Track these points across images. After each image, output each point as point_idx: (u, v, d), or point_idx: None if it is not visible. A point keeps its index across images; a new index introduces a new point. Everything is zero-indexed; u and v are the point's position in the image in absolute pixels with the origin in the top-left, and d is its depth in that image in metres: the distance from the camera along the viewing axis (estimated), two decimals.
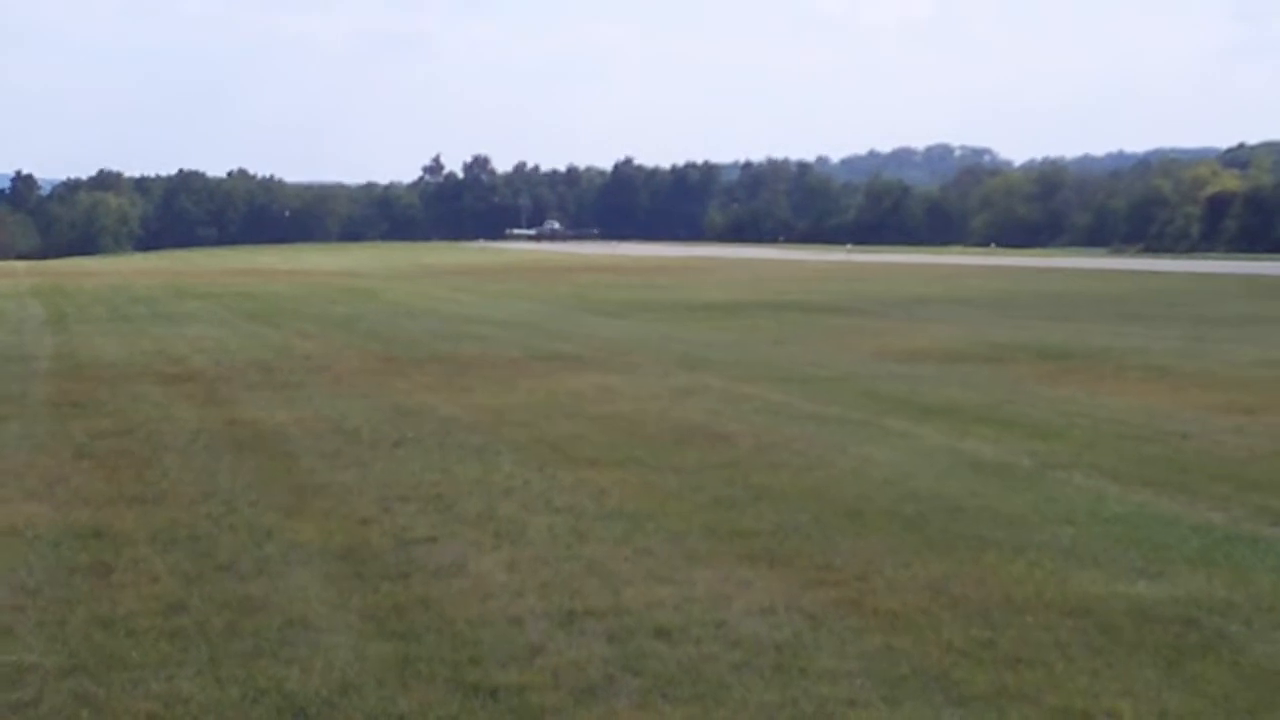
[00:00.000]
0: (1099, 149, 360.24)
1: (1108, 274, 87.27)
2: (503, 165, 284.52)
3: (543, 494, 15.07)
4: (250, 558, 12.23)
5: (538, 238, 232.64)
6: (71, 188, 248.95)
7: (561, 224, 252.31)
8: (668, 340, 36.32)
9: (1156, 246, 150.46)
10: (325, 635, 9.96)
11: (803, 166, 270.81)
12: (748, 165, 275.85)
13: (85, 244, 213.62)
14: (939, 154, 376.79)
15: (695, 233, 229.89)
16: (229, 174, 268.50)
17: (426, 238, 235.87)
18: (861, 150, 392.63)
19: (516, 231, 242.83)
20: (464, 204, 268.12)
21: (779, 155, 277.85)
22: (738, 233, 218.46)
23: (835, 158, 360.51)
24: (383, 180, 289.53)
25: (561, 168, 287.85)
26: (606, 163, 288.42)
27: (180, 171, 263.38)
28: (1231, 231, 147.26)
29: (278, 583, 11.39)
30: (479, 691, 8.82)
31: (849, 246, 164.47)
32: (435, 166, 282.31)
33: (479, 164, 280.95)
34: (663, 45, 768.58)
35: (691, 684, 8.96)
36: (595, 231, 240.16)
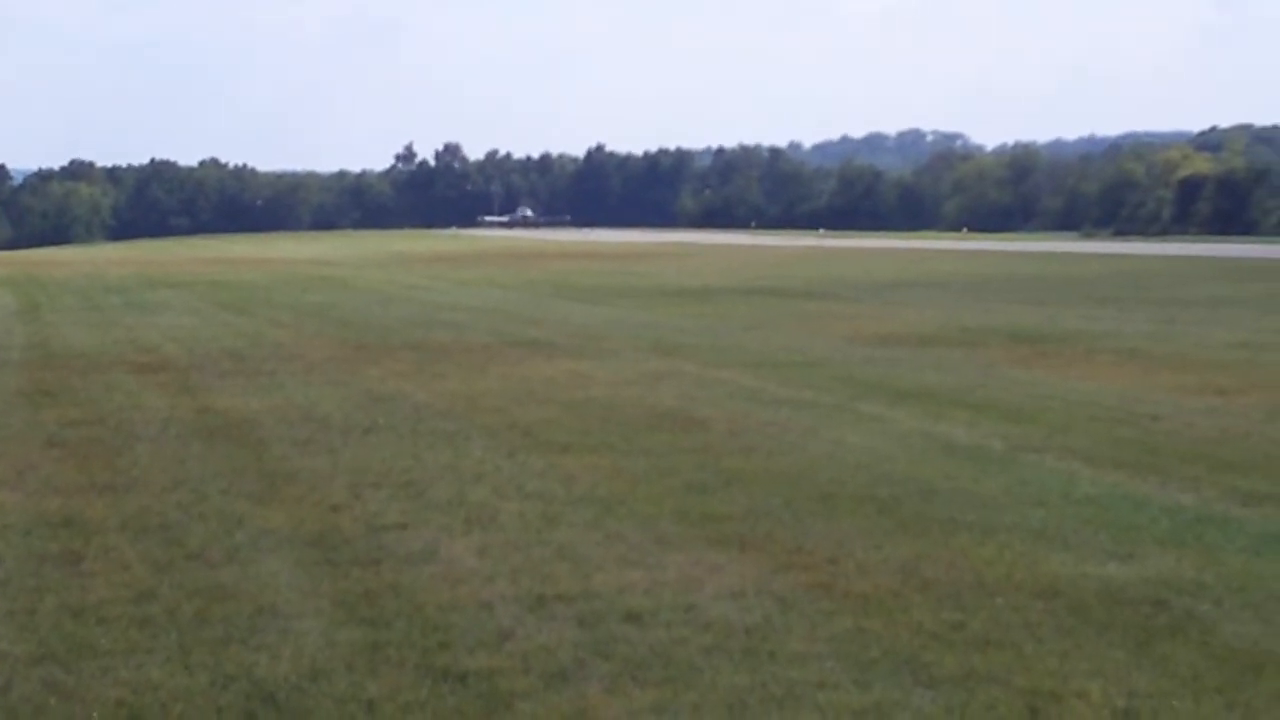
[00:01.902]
0: (1071, 133, 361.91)
1: (1079, 257, 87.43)
2: (475, 153, 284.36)
3: (514, 479, 15.05)
4: (220, 545, 12.20)
5: (510, 225, 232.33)
6: (43, 178, 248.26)
7: (534, 211, 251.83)
8: (641, 326, 36.31)
9: (1128, 230, 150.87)
10: (295, 622, 9.94)
11: (775, 152, 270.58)
12: (720, 151, 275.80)
13: (57, 234, 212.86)
14: (911, 139, 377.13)
15: (668, 219, 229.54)
16: (201, 163, 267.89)
17: (399, 226, 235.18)
18: (834, 136, 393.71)
19: (489, 219, 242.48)
20: (436, 192, 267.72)
21: (751, 141, 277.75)
22: (710, 219, 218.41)
23: (808, 143, 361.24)
24: (355, 168, 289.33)
25: (534, 155, 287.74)
26: (579, 150, 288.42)
27: (152, 161, 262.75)
28: (1203, 214, 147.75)
29: (248, 570, 11.36)
30: (448, 676, 8.81)
31: (821, 232, 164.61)
32: (407, 154, 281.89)
33: (451, 151, 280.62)
34: (635, 32, 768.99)
35: (662, 667, 8.96)
36: (567, 218, 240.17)
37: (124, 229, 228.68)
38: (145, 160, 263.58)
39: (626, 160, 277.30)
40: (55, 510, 13.68)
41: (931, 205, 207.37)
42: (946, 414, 19.83)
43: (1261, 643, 9.47)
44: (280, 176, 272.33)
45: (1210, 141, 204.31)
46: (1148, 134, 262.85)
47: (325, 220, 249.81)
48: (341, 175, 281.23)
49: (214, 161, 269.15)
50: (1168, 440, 17.70)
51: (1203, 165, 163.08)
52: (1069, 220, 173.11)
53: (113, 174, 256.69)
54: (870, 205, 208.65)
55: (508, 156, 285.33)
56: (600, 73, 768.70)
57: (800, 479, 15.04)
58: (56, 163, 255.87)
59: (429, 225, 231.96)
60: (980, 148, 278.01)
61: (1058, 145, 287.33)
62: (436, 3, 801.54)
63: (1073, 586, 10.74)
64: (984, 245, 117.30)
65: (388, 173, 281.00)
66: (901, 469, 15.60)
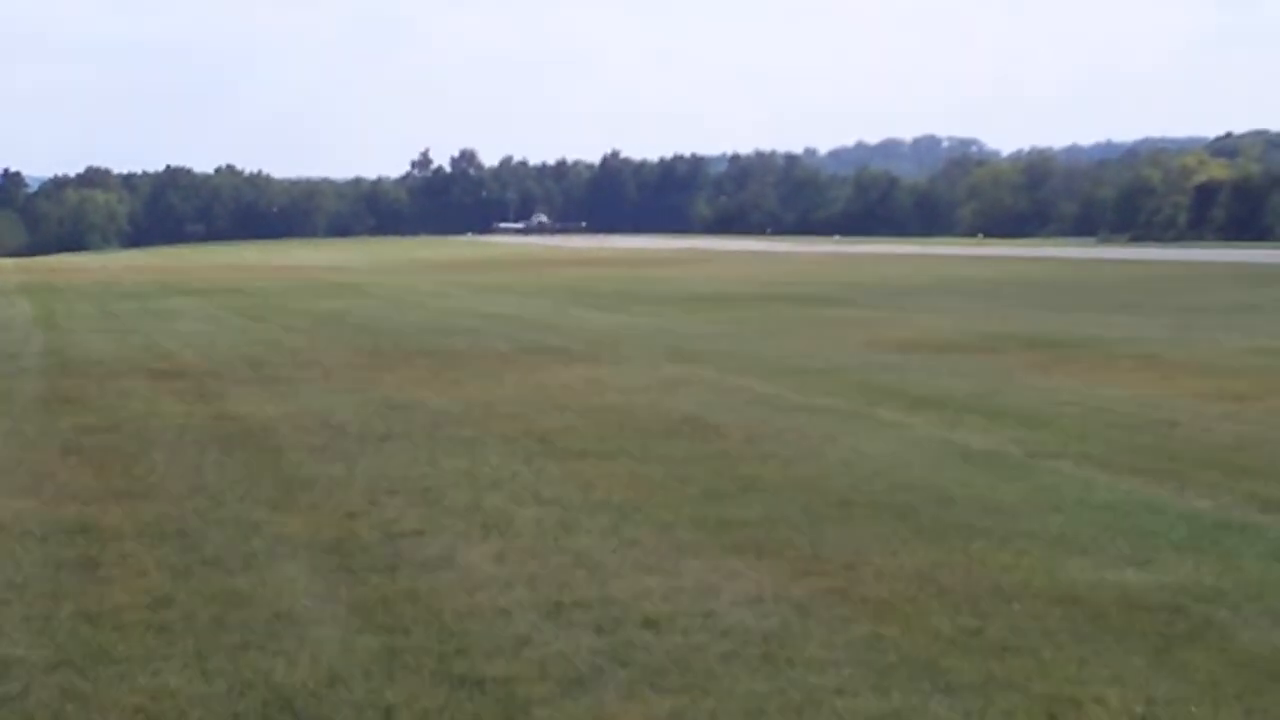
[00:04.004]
0: (1087, 139, 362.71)
1: (1096, 263, 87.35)
2: (490, 159, 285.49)
3: (530, 486, 15.02)
4: (237, 552, 12.17)
5: (526, 231, 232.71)
6: (59, 185, 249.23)
7: (549, 217, 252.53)
8: (657, 332, 36.31)
9: (1144, 235, 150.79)
10: (312, 628, 9.91)
11: (790, 159, 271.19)
12: (735, 158, 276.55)
13: (73, 241, 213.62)
14: (927, 145, 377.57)
15: (683, 225, 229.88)
16: (216, 170, 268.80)
17: (414, 232, 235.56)
18: (849, 142, 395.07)
19: (504, 225, 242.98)
20: (452, 198, 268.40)
21: (766, 148, 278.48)
22: (725, 225, 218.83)
23: (823, 150, 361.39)
24: (370, 175, 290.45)
25: (549, 161, 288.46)
26: (594, 156, 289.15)
27: (168, 168, 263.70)
28: (1219, 220, 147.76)
29: (265, 576, 11.34)
30: (466, 683, 8.78)
31: (837, 238, 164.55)
32: (423, 161, 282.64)
33: (466, 158, 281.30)
34: (650, 37, 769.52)
35: (680, 674, 8.93)
36: (583, 224, 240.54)
37: (140, 236, 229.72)
38: (161, 167, 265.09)
39: (642, 166, 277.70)
40: (72, 517, 13.65)
41: (947, 211, 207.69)
42: (963, 420, 19.79)
43: None
44: (296, 183, 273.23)
45: (1226, 147, 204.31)
46: (1164, 139, 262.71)
47: (341, 227, 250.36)
48: (357, 182, 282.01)
49: (229, 168, 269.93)
50: (1185, 446, 17.64)
51: (1219, 171, 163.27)
52: (1085, 226, 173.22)
53: (128, 181, 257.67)
54: (886, 211, 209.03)
55: (523, 163, 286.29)
56: (616, 79, 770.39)
57: (817, 486, 15.01)
58: (72, 169, 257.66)
59: (444, 232, 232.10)
60: (996, 153, 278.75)
61: (1074, 151, 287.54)
62: (452, 9, 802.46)
63: (1091, 593, 10.70)
64: (1000, 251, 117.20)
65: (403, 179, 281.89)
66: (918, 476, 15.57)
